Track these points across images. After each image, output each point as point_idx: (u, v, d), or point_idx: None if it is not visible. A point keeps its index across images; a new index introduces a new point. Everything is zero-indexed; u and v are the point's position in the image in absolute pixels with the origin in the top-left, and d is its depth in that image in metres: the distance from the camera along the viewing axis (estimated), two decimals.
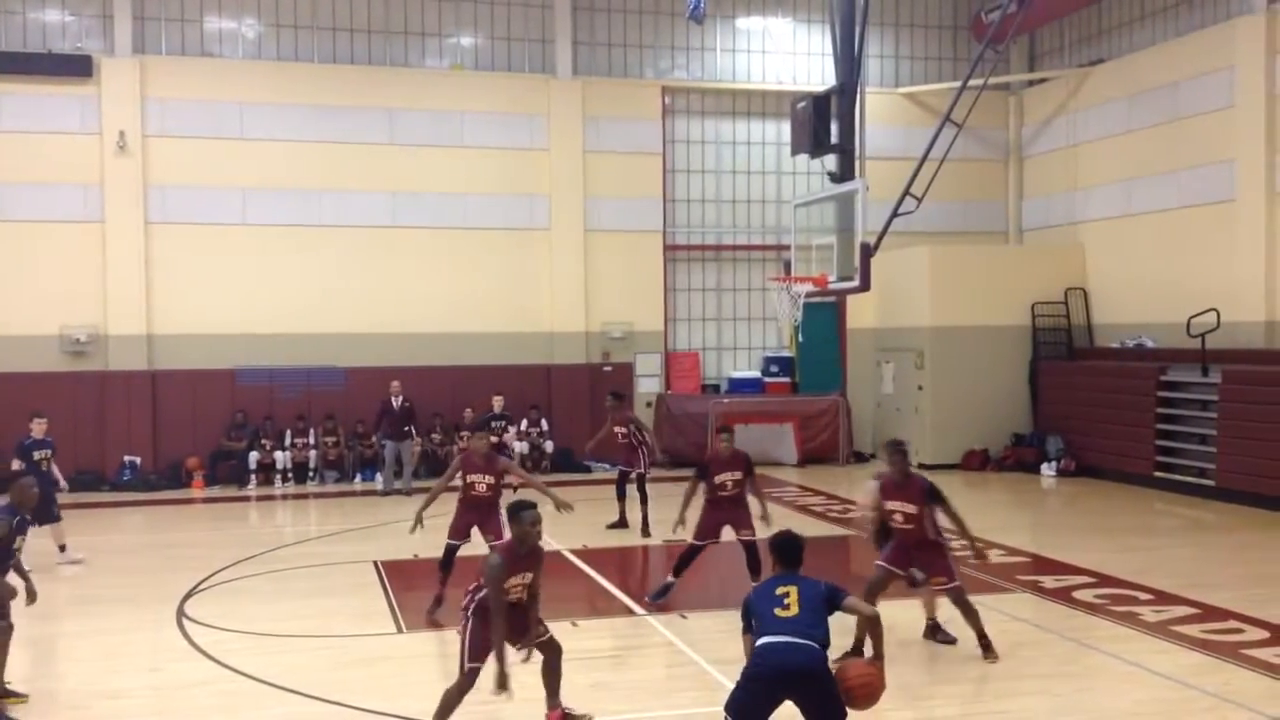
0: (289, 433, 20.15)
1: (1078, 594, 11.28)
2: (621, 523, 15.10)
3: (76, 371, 19.74)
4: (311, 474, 20.11)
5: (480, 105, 21.59)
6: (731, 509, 11.15)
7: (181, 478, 19.60)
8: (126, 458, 19.70)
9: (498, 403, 19.18)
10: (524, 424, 21.07)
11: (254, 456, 19.85)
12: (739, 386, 22.59)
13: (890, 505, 9.26)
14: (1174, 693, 8.37)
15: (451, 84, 21.63)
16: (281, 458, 19.93)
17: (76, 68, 19.71)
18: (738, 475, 11.16)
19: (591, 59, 22.46)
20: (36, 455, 13.32)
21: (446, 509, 11.08)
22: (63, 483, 13.96)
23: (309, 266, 20.69)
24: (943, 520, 9.28)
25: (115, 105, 19.83)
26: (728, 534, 11.20)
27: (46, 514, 12.55)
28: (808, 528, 15.50)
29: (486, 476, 10.72)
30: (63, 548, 13.32)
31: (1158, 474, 18.31)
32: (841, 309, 23.01)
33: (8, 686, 8.20)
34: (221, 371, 20.21)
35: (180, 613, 10.95)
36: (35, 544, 10.73)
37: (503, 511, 10.23)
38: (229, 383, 20.27)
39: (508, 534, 7.61)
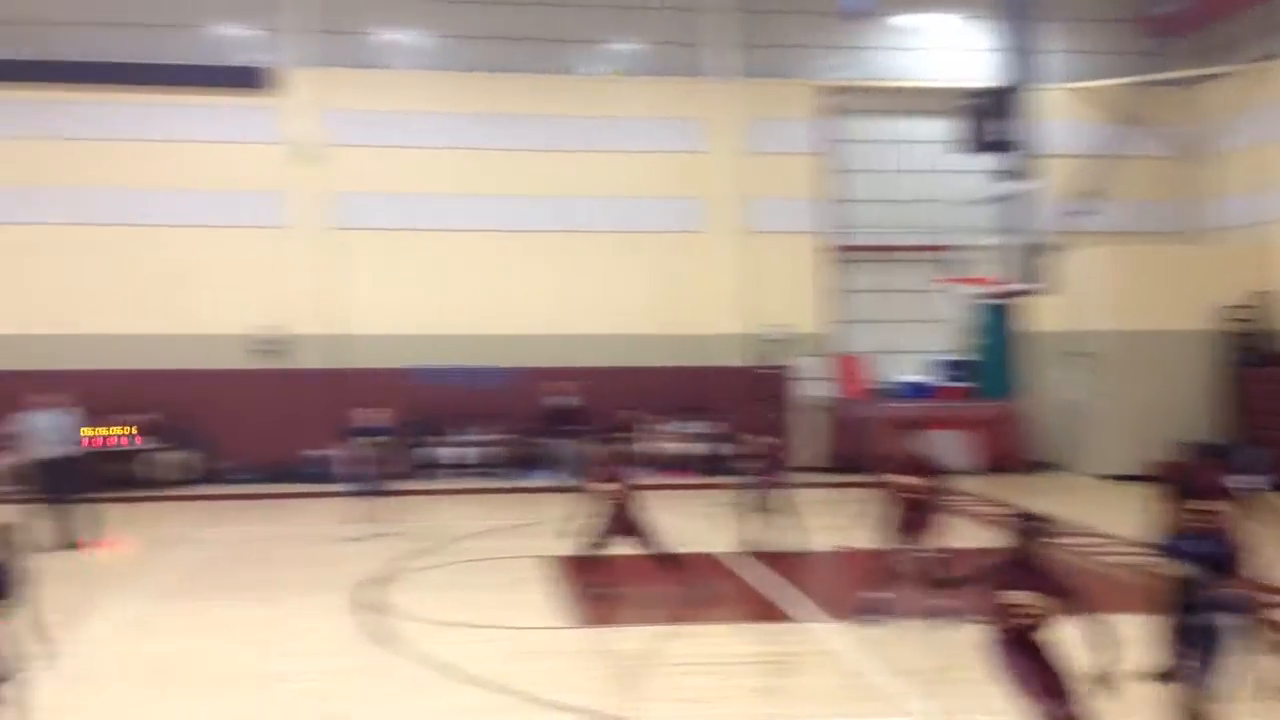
0: (456, 430, 20.68)
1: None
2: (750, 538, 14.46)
3: (262, 369, 20.68)
4: (475, 470, 20.58)
5: (639, 110, 21.77)
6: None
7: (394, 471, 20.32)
8: (310, 452, 20.53)
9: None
10: (680, 425, 21.05)
11: (423, 452, 20.44)
12: (909, 391, 22.00)
13: None
14: None
15: (611, 90, 21.87)
16: (446, 454, 20.44)
17: (262, 81, 20.70)
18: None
19: (751, 61, 22.35)
20: (360, 441, 14.90)
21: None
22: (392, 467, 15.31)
23: (477, 270, 21.24)
24: None
25: (297, 116, 20.76)
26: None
27: (375, 491, 14.54)
28: (987, 540, 15.02)
29: (612, 484, 11.01)
30: (369, 524, 14.61)
31: None
32: (1015, 312, 22.22)
33: None
34: (396, 370, 20.87)
35: (356, 600, 11.32)
36: None
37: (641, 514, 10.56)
38: (403, 381, 20.90)
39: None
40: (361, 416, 15.16)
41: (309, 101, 20.81)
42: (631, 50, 22.21)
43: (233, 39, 21.16)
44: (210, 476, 20.24)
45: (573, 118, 21.63)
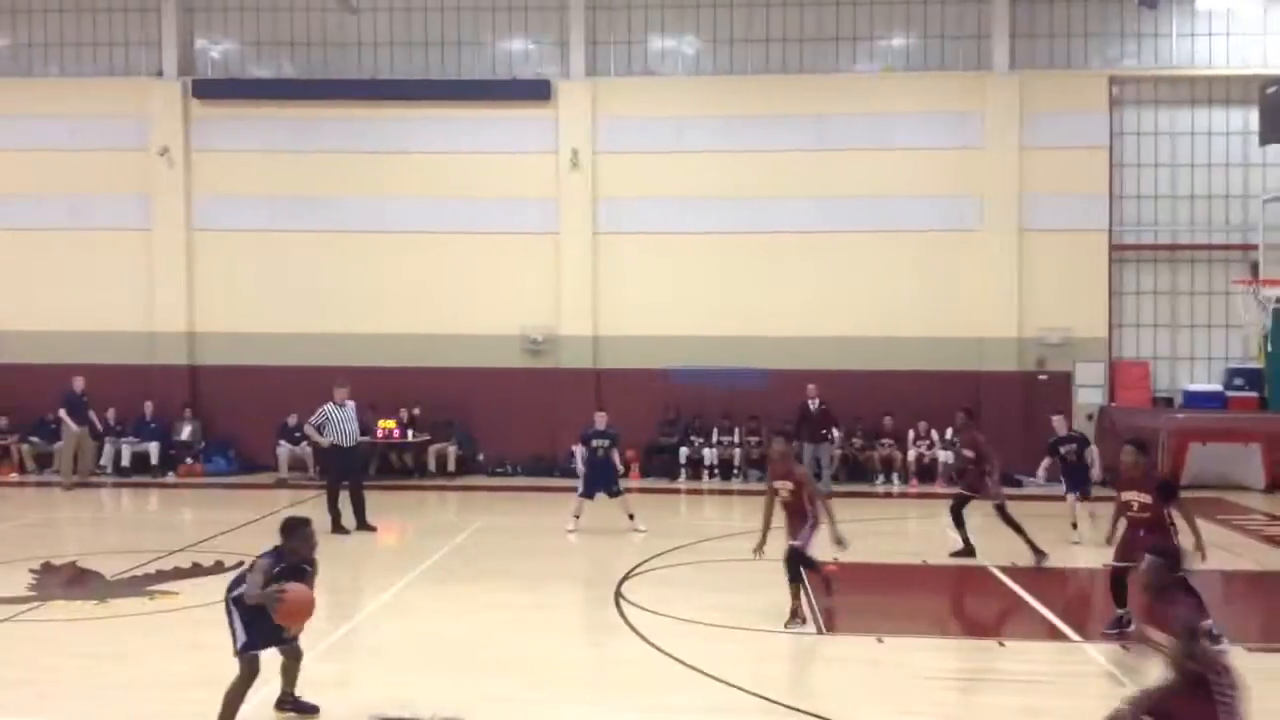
0: (715, 431, 20.97)
1: None
2: (967, 551, 13.67)
3: (533, 368, 21.66)
4: (736, 471, 20.78)
5: (911, 106, 21.27)
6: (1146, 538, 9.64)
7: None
8: (573, 447, 21.34)
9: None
10: (949, 432, 20.50)
11: (684, 452, 20.86)
12: (1196, 401, 20.56)
13: None
14: None
15: (882, 86, 21.48)
16: (709, 454, 20.76)
17: (538, 92, 21.65)
18: (1146, 499, 9.90)
19: (1031, 51, 21.43)
20: (595, 443, 15.41)
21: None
22: (620, 468, 15.87)
23: (739, 271, 21.35)
24: None
25: (570, 125, 21.55)
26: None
27: (609, 491, 15.30)
28: (1276, 561, 13.89)
29: (787, 483, 10.67)
30: (631, 516, 15.29)
31: None
32: None
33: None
34: (657, 370, 21.33)
35: (618, 594, 11.68)
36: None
37: (809, 516, 10.44)
38: (663, 381, 21.37)
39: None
40: (601, 420, 15.60)
41: (583, 111, 21.55)
42: (903, 45, 21.74)
43: (516, 52, 22.20)
44: (476, 468, 21.39)
45: (842, 116, 21.34)
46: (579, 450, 15.71)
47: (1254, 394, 20.52)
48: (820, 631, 10.43)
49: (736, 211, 21.46)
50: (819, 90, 21.49)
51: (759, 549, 10.76)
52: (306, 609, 7.40)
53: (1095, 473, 12.97)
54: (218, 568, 12.64)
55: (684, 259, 21.49)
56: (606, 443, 15.43)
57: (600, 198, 21.64)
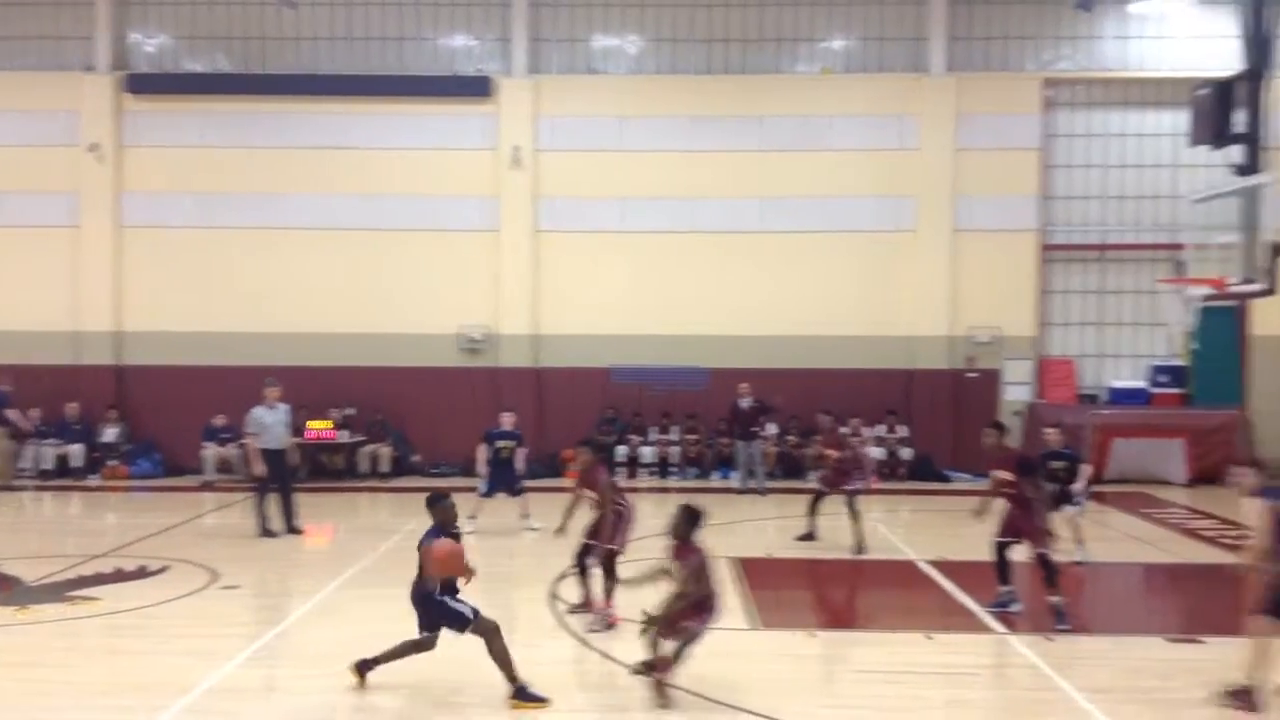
0: (654, 429, 21.03)
1: None
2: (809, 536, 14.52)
3: (472, 367, 21.55)
4: (674, 469, 20.86)
5: (849, 107, 21.46)
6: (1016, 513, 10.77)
7: (557, 467, 20.88)
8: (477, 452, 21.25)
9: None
10: (881, 429, 20.79)
11: (623, 450, 20.87)
12: (1121, 397, 21.00)
13: None
14: None
15: (821, 88, 21.66)
16: (647, 452, 20.81)
17: (479, 89, 21.53)
18: (1007, 475, 10.79)
19: (968, 54, 21.72)
20: (499, 444, 15.34)
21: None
22: (523, 469, 15.76)
23: (679, 271, 21.44)
24: None
25: (511, 122, 21.48)
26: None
27: (511, 490, 15.33)
28: (1197, 554, 14.21)
29: (588, 492, 11.01)
30: (525, 515, 15.30)
31: None
32: (1243, 314, 20.82)
33: (527, 686, 8.36)
34: (596, 370, 21.34)
35: (553, 594, 11.66)
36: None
37: (616, 517, 10.66)
38: (603, 380, 21.37)
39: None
40: (507, 421, 15.56)
41: (525, 108, 21.47)
42: (842, 47, 21.92)
43: (457, 49, 22.04)
44: (411, 469, 21.22)
45: (782, 117, 21.51)
46: (482, 450, 15.48)
47: (1177, 391, 21.00)
48: (754, 627, 10.48)
49: (677, 211, 21.52)
50: (759, 91, 21.62)
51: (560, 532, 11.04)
52: (452, 555, 8.27)
53: (1078, 487, 12.99)
54: (140, 573, 12.43)
55: (625, 258, 21.51)
56: (512, 443, 15.34)
57: (541, 196, 21.58)
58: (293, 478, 15.57)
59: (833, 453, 14.53)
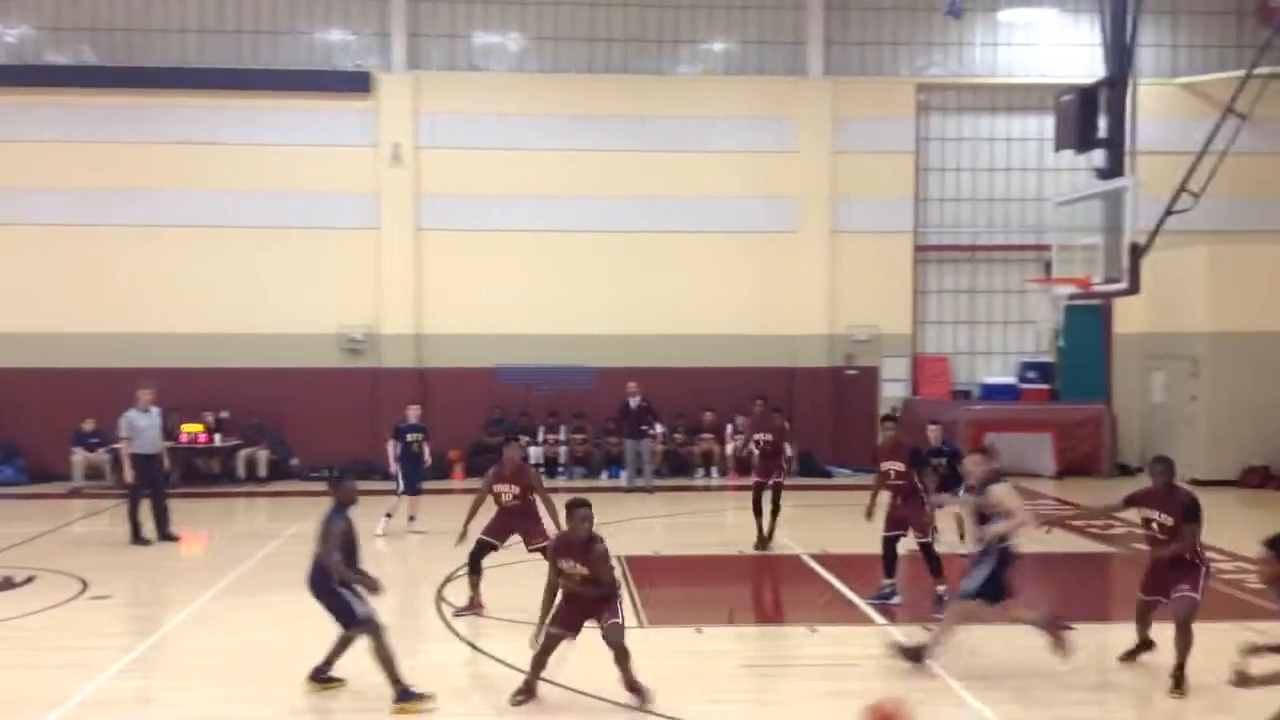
0: (542, 429, 20.96)
1: None
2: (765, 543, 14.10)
3: (352, 368, 21.18)
4: (561, 469, 20.83)
5: (730, 109, 21.72)
6: (902, 505, 11.31)
7: (444, 469, 20.65)
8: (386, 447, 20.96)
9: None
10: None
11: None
12: (993, 393, 21.72)
13: (1149, 514, 8.81)
14: None
15: (702, 89, 21.87)
16: (535, 453, 20.72)
17: (357, 84, 21.16)
18: (900, 466, 11.22)
19: (844, 59, 22.18)
20: (409, 437, 15.17)
21: None
22: (429, 461, 15.78)
23: (564, 270, 21.41)
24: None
25: (391, 119, 21.16)
26: None
27: (411, 488, 15.09)
28: (1065, 543, 14.76)
29: (513, 487, 10.86)
30: (412, 518, 15.10)
31: None
32: (1107, 313, 21.75)
33: (410, 688, 8.27)
34: (482, 370, 21.17)
35: (439, 597, 11.54)
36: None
37: (542, 518, 10.67)
38: (489, 380, 21.22)
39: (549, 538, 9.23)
40: (413, 414, 15.37)
41: (405, 104, 21.19)
42: (723, 49, 22.17)
43: (335, 43, 21.64)
44: (289, 473, 20.76)
45: (663, 117, 21.64)
46: (391, 447, 15.33)
47: (1045, 386, 21.80)
48: (641, 624, 10.53)
49: (562, 210, 21.48)
50: (641, 91, 21.72)
51: (461, 539, 10.85)
52: None
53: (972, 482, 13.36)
54: (6, 584, 11.94)
55: (510, 257, 21.38)
56: (420, 436, 15.23)
57: (423, 193, 21.32)
58: (166, 483, 15.10)
59: (766, 437, 14.18)
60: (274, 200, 21.01)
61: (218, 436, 20.24)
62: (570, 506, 8.25)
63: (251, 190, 21.00)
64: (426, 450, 15.49)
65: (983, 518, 9.16)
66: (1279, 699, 6.39)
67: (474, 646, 9.79)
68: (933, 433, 13.58)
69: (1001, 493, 9.07)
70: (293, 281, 21.06)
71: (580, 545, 8.12)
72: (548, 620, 8.19)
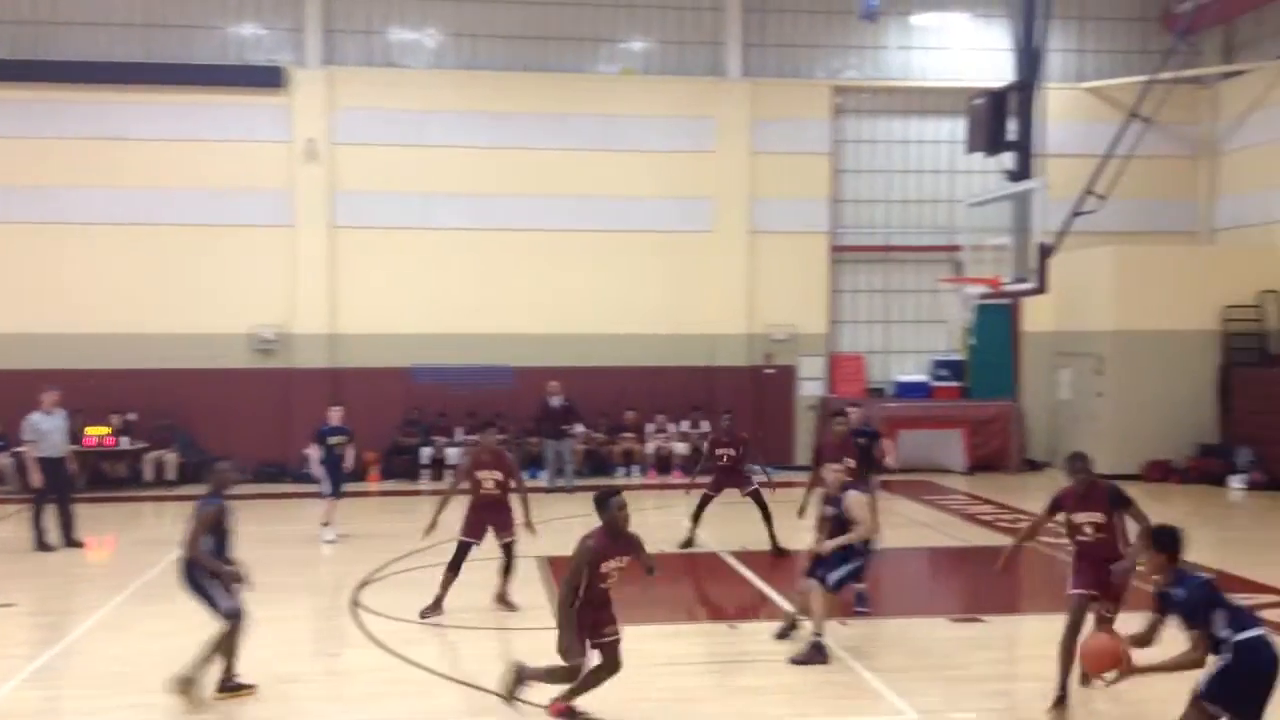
0: (460, 430, 20.78)
1: (1266, 614, 10.56)
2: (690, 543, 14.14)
3: (264, 369, 20.79)
4: None
5: (649, 109, 21.78)
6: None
7: (360, 471, 20.36)
8: (307, 451, 20.61)
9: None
10: (685, 425, 21.28)
11: (427, 452, 20.56)
12: (906, 391, 22.10)
13: (1078, 518, 8.37)
14: None
15: (622, 88, 21.89)
16: (453, 454, 20.55)
17: (270, 79, 20.78)
18: (851, 463, 11.44)
19: (762, 60, 22.37)
20: (332, 440, 14.74)
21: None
22: (350, 464, 15.23)
23: (482, 269, 21.27)
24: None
25: (305, 114, 20.82)
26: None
27: (335, 490, 14.69)
28: (976, 537, 15.09)
29: (495, 473, 10.85)
30: (326, 524, 14.72)
31: None
32: (1016, 312, 22.25)
33: (238, 680, 8.42)
34: (398, 370, 20.94)
35: (355, 602, 11.38)
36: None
37: (514, 509, 10.66)
38: (405, 380, 21.00)
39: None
40: (336, 416, 14.96)
41: (319, 100, 20.86)
42: (643, 48, 22.21)
43: (247, 38, 21.22)
44: (199, 477, 20.29)
45: (583, 116, 21.62)
46: (313, 451, 14.99)
47: (957, 384, 22.24)
48: None
49: (481, 208, 21.34)
50: (561, 89, 21.66)
51: (430, 530, 10.81)
52: None
53: (890, 462, 13.61)
54: None
55: (427, 255, 21.18)
56: (344, 439, 14.92)
57: (338, 190, 21.01)
58: (71, 487, 14.67)
59: (730, 452, 13.99)
60: (185, 197, 20.56)
61: (125, 439, 19.71)
62: (602, 499, 7.77)
63: (161, 187, 20.52)
64: (350, 454, 15.06)
65: (841, 524, 9.49)
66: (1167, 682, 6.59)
67: (393, 652, 9.67)
68: (854, 414, 13.84)
69: (854, 502, 9.45)
70: (203, 280, 20.61)
71: (625, 538, 7.72)
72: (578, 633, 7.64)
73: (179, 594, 11.50)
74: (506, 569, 10.97)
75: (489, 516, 10.87)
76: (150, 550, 14.01)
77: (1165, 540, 6.53)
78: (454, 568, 10.82)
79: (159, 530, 16.66)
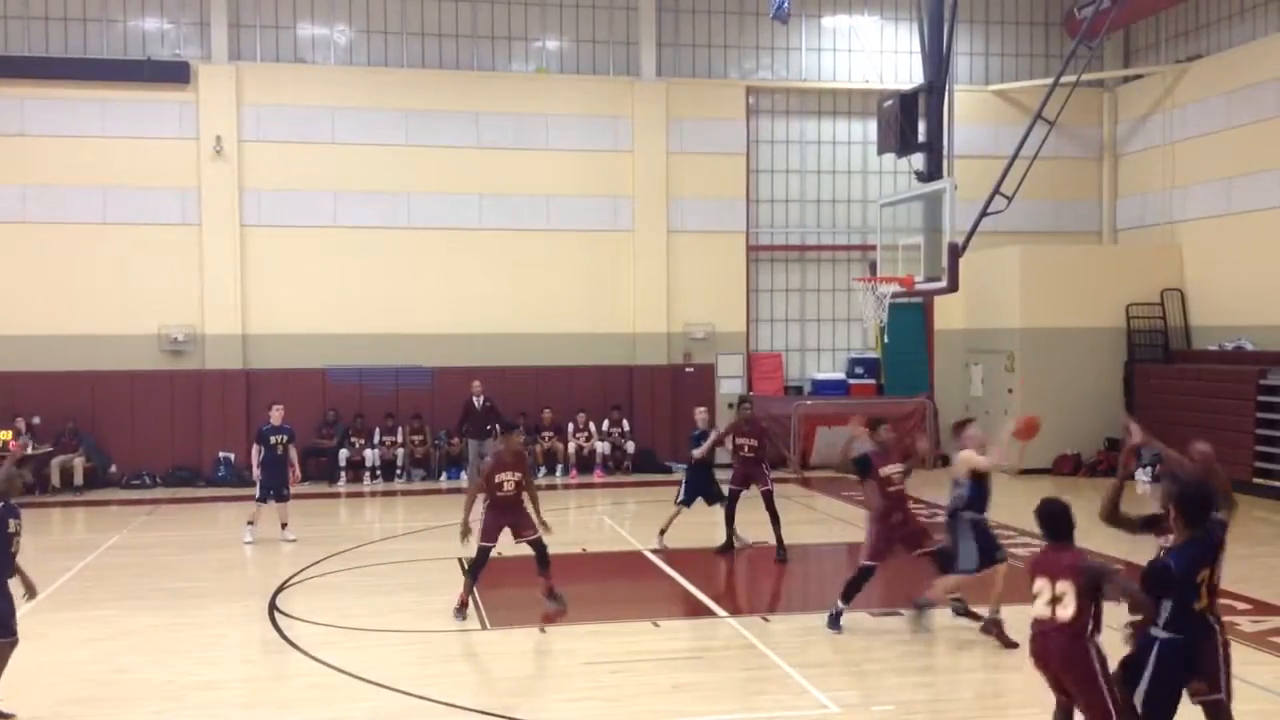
0: (378, 431, 20.54)
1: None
2: (729, 546, 13.70)
3: (174, 370, 20.32)
4: (399, 472, 20.46)
5: (565, 108, 21.75)
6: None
7: (306, 471, 19.89)
8: (221, 454, 20.23)
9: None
10: (605, 424, 21.31)
11: (344, 454, 20.28)
12: (823, 388, 22.42)
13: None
14: (1274, 705, 8.11)
15: (536, 87, 21.82)
16: (370, 455, 20.30)
17: (175, 75, 20.30)
18: (754, 442, 13.30)
19: (676, 61, 22.48)
20: (273, 440, 14.60)
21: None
22: (297, 470, 15.21)
23: (397, 268, 21.05)
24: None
25: (212, 111, 20.38)
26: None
27: (279, 494, 14.56)
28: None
29: (515, 474, 10.78)
30: (284, 525, 14.60)
31: (1257, 480, 17.72)
32: (929, 310, 22.70)
33: None
34: (313, 370, 20.64)
35: (273, 606, 11.20)
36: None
37: (529, 510, 10.74)
38: (321, 381, 20.70)
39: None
40: (277, 415, 14.84)
41: (226, 96, 20.43)
42: (557, 47, 22.16)
43: (151, 32, 20.69)
44: (107, 481, 19.79)
45: (497, 115, 21.51)
46: (255, 451, 14.74)
47: (872, 381, 22.65)
48: (484, 627, 10.47)
49: (395, 207, 21.12)
50: (475, 87, 21.53)
51: (466, 536, 10.64)
52: None
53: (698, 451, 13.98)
54: None
55: (339, 254, 20.89)
56: (285, 438, 14.74)
57: (247, 188, 20.62)
58: None
59: (751, 442, 13.42)
60: (88, 195, 20.01)
61: (29, 444, 19.08)
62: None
63: (64, 184, 19.94)
64: (293, 453, 14.91)
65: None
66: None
67: (311, 656, 9.53)
68: (700, 416, 14.19)
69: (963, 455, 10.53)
70: (110, 280, 20.08)
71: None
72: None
73: (92, 603, 11.29)
74: (543, 563, 10.73)
75: (506, 519, 10.74)
76: (58, 558, 13.62)
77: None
78: (475, 576, 10.68)
79: (68, 537, 16.24)
